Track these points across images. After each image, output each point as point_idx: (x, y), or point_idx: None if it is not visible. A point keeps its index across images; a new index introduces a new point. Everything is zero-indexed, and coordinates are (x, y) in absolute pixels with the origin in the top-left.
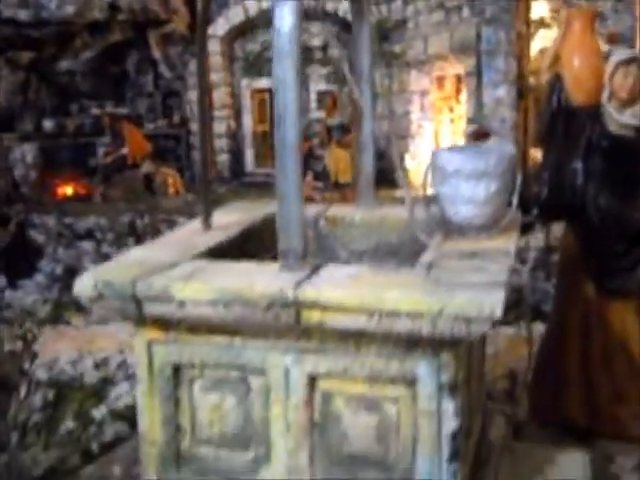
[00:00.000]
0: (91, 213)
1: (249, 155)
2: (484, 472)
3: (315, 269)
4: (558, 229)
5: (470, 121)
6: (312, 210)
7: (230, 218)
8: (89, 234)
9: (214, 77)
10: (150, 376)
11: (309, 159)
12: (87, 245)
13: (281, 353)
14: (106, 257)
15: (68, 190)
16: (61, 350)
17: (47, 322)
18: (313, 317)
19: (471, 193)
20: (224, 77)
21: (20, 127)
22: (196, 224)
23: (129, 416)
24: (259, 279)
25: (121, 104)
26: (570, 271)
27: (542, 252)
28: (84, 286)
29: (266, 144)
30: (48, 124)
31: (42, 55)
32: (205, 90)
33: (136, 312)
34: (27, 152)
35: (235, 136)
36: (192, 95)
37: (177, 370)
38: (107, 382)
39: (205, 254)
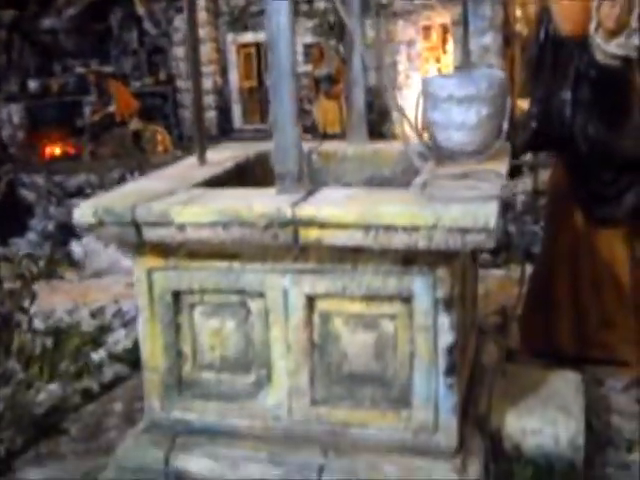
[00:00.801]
0: (81, 171)
1: (236, 111)
2: (478, 392)
3: (311, 191)
4: (546, 174)
5: (457, 70)
6: (304, 146)
7: (224, 155)
8: (79, 191)
9: (200, 32)
10: (151, 304)
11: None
12: (78, 202)
13: (279, 275)
14: None
15: (56, 150)
16: (56, 302)
17: (41, 277)
18: (311, 235)
19: (463, 118)
20: (209, 32)
21: (4, 88)
22: (191, 160)
23: (128, 358)
24: (257, 201)
25: (106, 62)
26: (559, 201)
27: (530, 196)
28: (84, 213)
29: (253, 100)
30: (32, 84)
31: (24, 13)
32: (195, 29)
33: (136, 238)
34: (13, 112)
35: (222, 92)
36: (178, 52)
37: (177, 296)
38: (104, 329)
39: (202, 184)
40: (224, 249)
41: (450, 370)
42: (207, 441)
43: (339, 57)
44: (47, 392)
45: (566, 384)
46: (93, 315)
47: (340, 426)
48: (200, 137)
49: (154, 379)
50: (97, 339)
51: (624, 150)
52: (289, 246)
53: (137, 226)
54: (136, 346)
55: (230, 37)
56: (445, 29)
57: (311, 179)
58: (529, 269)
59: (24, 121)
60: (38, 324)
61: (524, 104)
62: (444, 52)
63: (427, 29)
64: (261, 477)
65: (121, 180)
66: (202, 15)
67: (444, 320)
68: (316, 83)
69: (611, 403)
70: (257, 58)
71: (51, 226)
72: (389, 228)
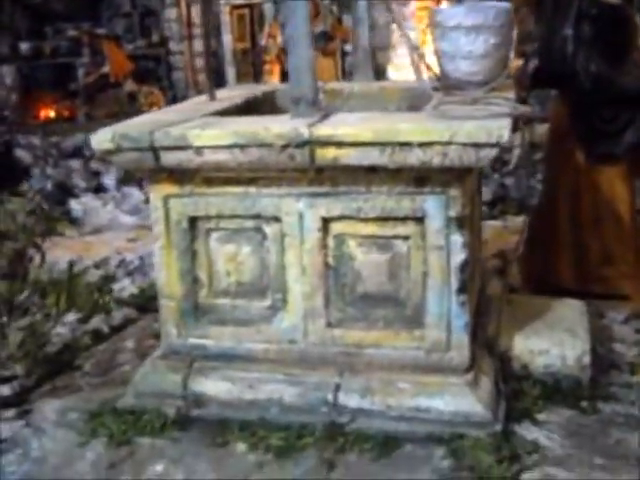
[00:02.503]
0: (77, 131)
1: (230, 74)
2: (486, 318)
3: (326, 115)
4: (541, 128)
5: None
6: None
7: (233, 93)
8: (76, 152)
9: None
10: (167, 231)
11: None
12: (75, 163)
13: (295, 199)
14: (95, 174)
15: (50, 112)
16: (59, 256)
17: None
18: (327, 155)
19: (470, 47)
20: None
21: None
22: (201, 98)
23: (135, 302)
24: (274, 123)
25: (98, 25)
26: (560, 139)
27: (525, 149)
28: (101, 139)
29: (246, 62)
30: (24, 47)
31: None
32: None
33: (153, 162)
34: (6, 75)
35: (215, 55)
36: (170, 14)
37: (193, 223)
38: (109, 279)
39: (214, 114)
40: (240, 174)
41: (462, 288)
42: (224, 365)
43: (334, 15)
44: (57, 334)
45: (571, 310)
46: (97, 266)
47: (355, 347)
48: (209, 75)
49: (170, 306)
50: (102, 287)
51: (625, 86)
52: (305, 168)
53: (155, 150)
54: (142, 292)
55: None
56: None
57: None
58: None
59: (17, 83)
60: (41, 276)
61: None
62: None
63: None
64: (278, 397)
65: None
66: None
67: (456, 239)
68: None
69: (613, 333)
70: (250, 20)
71: (49, 186)
72: (404, 145)
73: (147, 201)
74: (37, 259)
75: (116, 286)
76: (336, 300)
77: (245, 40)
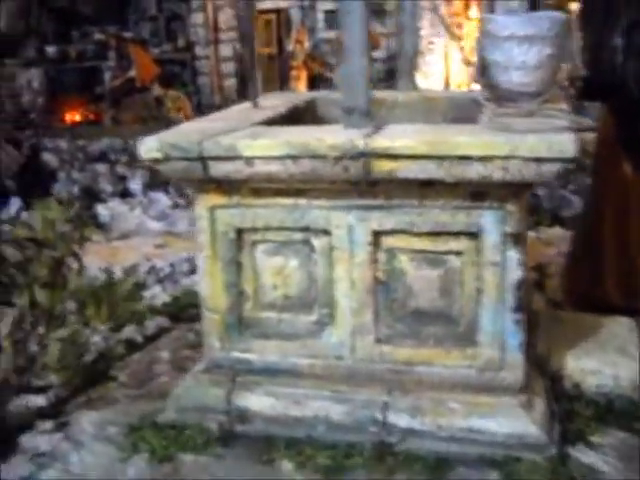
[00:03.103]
0: (103, 135)
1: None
2: (536, 335)
3: (379, 126)
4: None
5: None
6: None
7: (275, 101)
8: (102, 156)
9: None
10: (212, 242)
11: (316, 81)
12: (101, 167)
13: (345, 211)
14: (121, 178)
15: (76, 116)
16: (88, 262)
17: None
18: (383, 167)
19: (524, 58)
20: None
21: (22, 54)
22: (244, 105)
23: (168, 311)
24: (327, 133)
25: (124, 29)
26: (607, 152)
27: None
28: (149, 148)
29: (273, 68)
30: (51, 50)
31: None
32: None
33: (201, 173)
34: (33, 78)
35: (242, 60)
36: (196, 18)
37: (239, 234)
38: (139, 286)
39: (261, 124)
40: (289, 185)
41: (518, 306)
42: (268, 380)
43: None
44: (91, 343)
45: (621, 327)
46: (127, 273)
47: (404, 364)
48: (253, 82)
49: (214, 319)
50: (133, 294)
51: None
52: (358, 180)
53: (203, 160)
54: (175, 300)
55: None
56: None
57: None
58: (559, 231)
59: (44, 87)
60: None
61: None
62: (467, 18)
63: None
64: (325, 414)
65: None
66: None
67: (513, 256)
68: (341, 47)
69: None
70: (277, 25)
71: (75, 190)
72: (463, 159)
73: (174, 206)
74: (75, 267)
75: (147, 293)
76: (385, 316)
77: (271, 45)
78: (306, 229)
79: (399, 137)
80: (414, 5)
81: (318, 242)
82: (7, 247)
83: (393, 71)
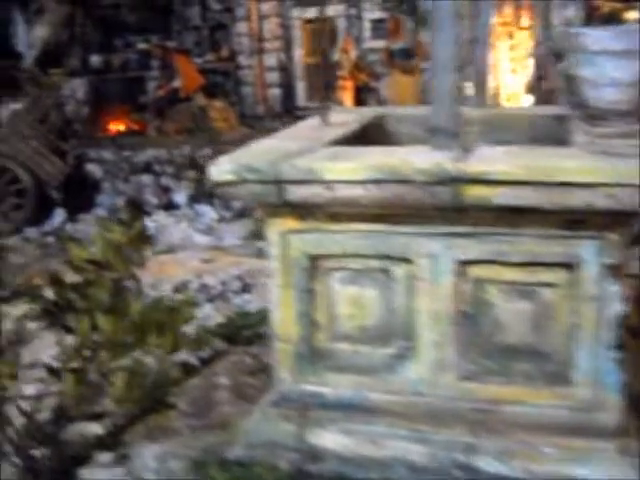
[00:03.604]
0: (148, 146)
1: (300, 89)
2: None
3: (466, 149)
4: None
5: (540, 44)
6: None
7: (343, 117)
8: (147, 167)
9: (263, 7)
10: (285, 269)
11: (362, 91)
12: (146, 178)
13: (429, 239)
14: (166, 190)
15: (120, 126)
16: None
17: None
18: (475, 193)
19: (617, 74)
20: (274, 7)
21: (67, 63)
22: (311, 122)
23: (223, 333)
24: (414, 156)
25: (167, 38)
26: None
27: None
28: (222, 170)
29: (318, 77)
30: (94, 60)
31: None
32: None
33: (276, 196)
34: (77, 88)
35: (286, 69)
36: (240, 27)
37: (314, 261)
38: (190, 304)
39: (335, 143)
40: (369, 210)
41: (617, 344)
42: (342, 416)
43: (415, 31)
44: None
45: None
46: (177, 290)
47: (490, 403)
48: (325, 97)
49: (285, 349)
50: (184, 313)
51: None
52: (445, 206)
53: (280, 184)
54: (230, 321)
55: (295, 12)
56: (518, 4)
57: None
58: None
59: (88, 97)
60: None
61: None
62: (518, 28)
63: (500, 4)
64: (403, 455)
65: (191, 157)
66: None
67: (612, 289)
68: (390, 56)
69: None
70: (322, 34)
71: (120, 202)
72: (565, 185)
73: (220, 220)
74: (134, 290)
75: (199, 313)
76: (470, 351)
77: (316, 55)
78: (385, 257)
79: (493, 161)
80: (487, 14)
81: (398, 271)
82: (65, 269)
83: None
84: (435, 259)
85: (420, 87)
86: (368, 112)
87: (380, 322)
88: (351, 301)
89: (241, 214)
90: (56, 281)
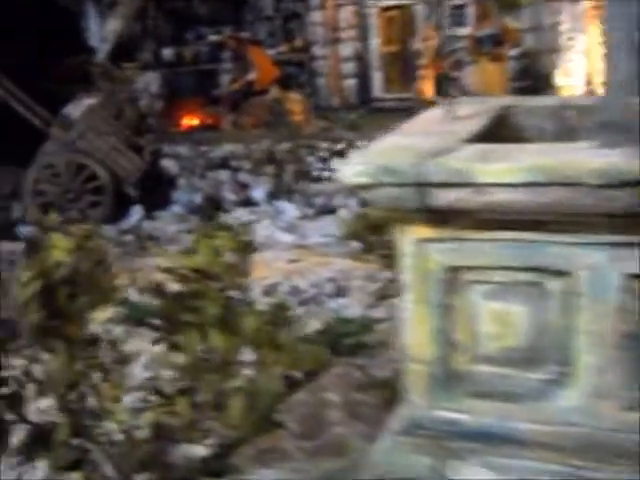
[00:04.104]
0: (225, 141)
1: (377, 79)
2: None
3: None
4: None
5: None
6: (551, 100)
7: (467, 109)
8: (224, 163)
9: None
10: (420, 281)
11: (443, 80)
12: (223, 174)
13: (592, 249)
14: (244, 186)
15: (194, 120)
16: None
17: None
18: None
19: None
20: None
21: (139, 57)
22: (432, 115)
23: (322, 341)
24: (580, 155)
25: (239, 30)
26: None
27: None
28: (357, 172)
29: (395, 67)
30: (166, 53)
31: None
32: None
33: (417, 201)
34: (151, 82)
35: (362, 59)
36: (315, 17)
37: (453, 273)
38: (282, 308)
39: (474, 140)
40: (521, 217)
41: None
42: (484, 448)
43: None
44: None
45: None
46: (267, 293)
47: None
48: (449, 86)
49: (418, 371)
50: (276, 319)
51: None
52: (618, 212)
53: (421, 187)
54: (329, 328)
55: (371, 0)
56: None
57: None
58: None
59: (161, 90)
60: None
61: None
62: None
63: None
64: None
65: (269, 152)
66: None
67: None
68: (478, 43)
69: None
70: (400, 22)
71: (198, 199)
72: None
73: (302, 217)
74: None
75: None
76: (637, 377)
77: (394, 44)
78: (538, 269)
79: None
80: None
81: (553, 285)
82: (168, 279)
83: (528, 70)
84: (598, 272)
85: (507, 75)
86: (493, 103)
87: (529, 343)
88: (495, 318)
89: (323, 211)
90: (159, 292)
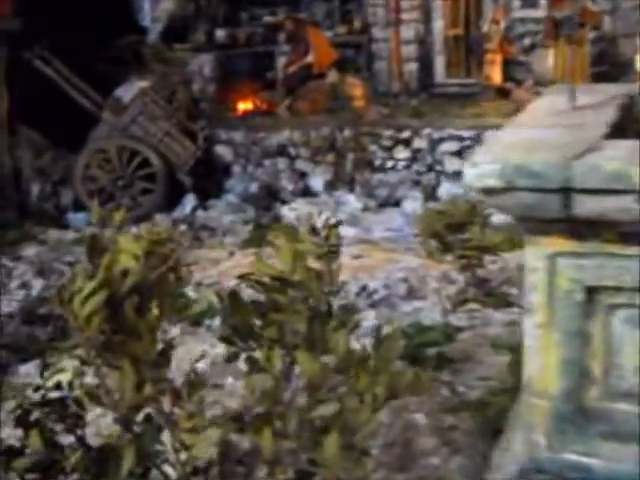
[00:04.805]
0: (282, 127)
1: (439, 63)
2: None
3: None
4: None
5: None
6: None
7: (587, 98)
8: (281, 150)
9: None
10: (551, 302)
11: (510, 65)
12: (280, 162)
13: None
14: (302, 175)
15: (248, 104)
16: None
17: (252, 244)
18: None
19: None
20: None
21: (192, 38)
22: (548, 104)
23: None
24: None
25: (295, 10)
26: None
27: None
28: (484, 173)
29: (458, 51)
30: (220, 34)
31: None
32: None
33: (560, 209)
34: (204, 64)
35: (424, 42)
36: None
37: (592, 295)
38: (348, 310)
39: (611, 135)
40: None
41: None
42: None
43: None
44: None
45: None
46: (332, 293)
47: None
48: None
49: (541, 406)
50: (345, 322)
51: None
52: None
53: (568, 193)
54: (406, 336)
55: None
56: None
57: None
58: None
59: (215, 73)
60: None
61: None
62: None
63: None
64: None
65: (330, 139)
66: None
67: None
68: (555, 25)
69: None
70: (466, 3)
71: (254, 188)
72: None
73: (365, 209)
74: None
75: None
76: None
77: (458, 26)
78: None
79: None
80: None
81: None
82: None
83: (605, 54)
84: None
85: (587, 60)
86: (607, 89)
87: None
88: None
89: (386, 203)
90: (236, 301)
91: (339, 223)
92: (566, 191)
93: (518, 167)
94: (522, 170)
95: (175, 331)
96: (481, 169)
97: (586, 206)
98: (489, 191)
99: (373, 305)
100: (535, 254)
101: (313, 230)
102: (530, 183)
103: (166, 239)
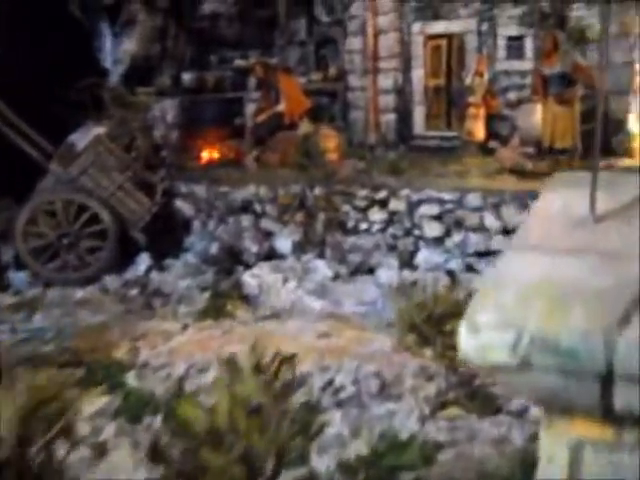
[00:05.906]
0: (248, 181)
1: (418, 114)
2: None
3: None
4: None
5: None
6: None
7: (606, 197)
8: (246, 207)
9: (381, 21)
10: None
11: (493, 121)
12: (245, 220)
13: None
14: (268, 235)
15: (214, 154)
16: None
17: (208, 315)
18: None
19: None
20: (392, 21)
21: (157, 81)
22: (561, 204)
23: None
24: None
25: (267, 54)
26: None
27: None
28: (493, 344)
29: (439, 102)
30: (187, 77)
31: None
32: None
33: (595, 399)
34: (167, 109)
35: (402, 92)
36: (352, 43)
37: None
38: (311, 410)
39: None
40: None
41: None
42: None
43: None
44: None
45: None
46: (296, 385)
47: None
48: (593, 179)
49: None
50: (306, 429)
51: None
52: None
53: (609, 382)
54: (375, 456)
55: (417, 27)
56: None
57: None
58: None
59: (179, 119)
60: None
61: None
62: None
63: None
64: None
65: (300, 196)
66: (385, 0)
67: None
68: (544, 82)
69: None
70: (447, 52)
71: (214, 248)
72: None
73: (335, 278)
74: None
75: (328, 428)
76: None
77: (439, 76)
78: None
79: None
80: None
81: None
82: None
83: (594, 112)
84: None
85: (577, 120)
86: (633, 183)
87: None
88: None
89: (359, 270)
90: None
91: (293, 356)
92: (606, 379)
93: (539, 339)
94: (544, 343)
95: (109, 430)
96: (485, 338)
97: (630, 400)
98: (495, 368)
99: (340, 404)
100: (553, 437)
101: (258, 368)
102: (556, 362)
103: (53, 396)
